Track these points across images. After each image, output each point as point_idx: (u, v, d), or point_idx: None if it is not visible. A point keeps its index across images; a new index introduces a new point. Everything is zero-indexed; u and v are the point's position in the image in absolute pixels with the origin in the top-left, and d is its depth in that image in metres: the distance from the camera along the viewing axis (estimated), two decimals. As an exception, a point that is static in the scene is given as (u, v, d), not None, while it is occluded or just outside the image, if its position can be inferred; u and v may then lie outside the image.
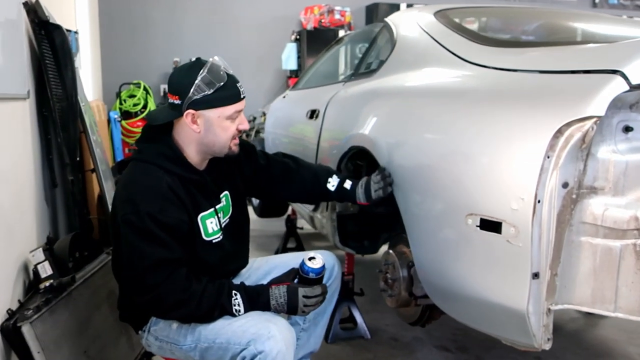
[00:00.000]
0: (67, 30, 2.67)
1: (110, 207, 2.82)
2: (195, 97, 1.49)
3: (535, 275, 1.19)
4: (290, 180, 1.87)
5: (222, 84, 1.50)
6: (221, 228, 1.64)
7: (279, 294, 1.50)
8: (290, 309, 1.50)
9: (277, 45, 6.74)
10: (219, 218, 1.63)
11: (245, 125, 1.60)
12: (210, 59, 1.52)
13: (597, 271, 1.17)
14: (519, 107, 1.27)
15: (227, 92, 1.52)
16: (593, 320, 2.76)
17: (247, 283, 1.59)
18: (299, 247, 3.80)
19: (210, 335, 1.48)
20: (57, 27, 2.45)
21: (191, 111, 1.51)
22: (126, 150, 5.94)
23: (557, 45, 1.48)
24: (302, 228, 4.05)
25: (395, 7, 6.83)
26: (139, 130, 6.13)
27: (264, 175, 1.85)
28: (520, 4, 7.33)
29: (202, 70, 1.48)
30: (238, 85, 1.55)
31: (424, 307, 1.81)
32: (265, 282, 1.61)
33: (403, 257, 1.81)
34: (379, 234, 2.32)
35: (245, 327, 1.43)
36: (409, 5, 6.72)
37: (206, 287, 1.48)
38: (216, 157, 1.63)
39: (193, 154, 1.58)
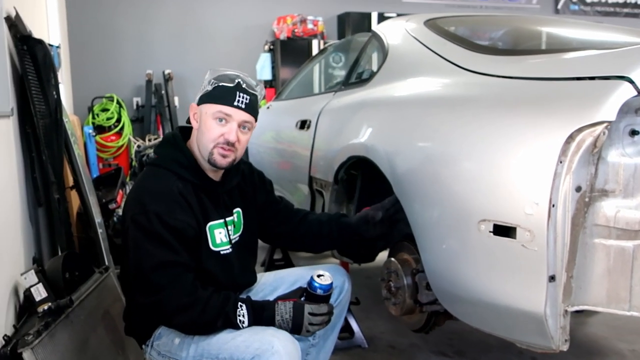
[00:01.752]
0: (49, 45, 2.61)
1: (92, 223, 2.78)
2: (201, 93, 1.58)
3: (552, 278, 1.21)
4: (297, 222, 1.83)
5: (221, 84, 1.54)
6: (230, 242, 1.63)
7: (284, 310, 1.48)
8: (295, 327, 1.48)
9: (251, 56, 6.73)
10: (228, 231, 1.62)
11: (231, 137, 1.54)
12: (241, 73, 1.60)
13: (611, 271, 1.20)
14: (528, 114, 1.29)
15: (221, 92, 1.55)
16: (581, 318, 2.82)
17: (255, 298, 1.58)
18: (286, 259, 3.77)
19: (213, 350, 1.46)
20: (39, 42, 2.39)
21: (194, 104, 1.60)
22: (101, 165, 5.82)
23: (557, 53, 1.52)
24: (287, 239, 4.02)
25: (367, 17, 6.92)
26: (114, 144, 6.02)
27: (272, 210, 1.82)
28: (484, 12, 7.52)
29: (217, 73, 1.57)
30: (239, 93, 1.54)
31: (429, 314, 1.82)
32: (272, 297, 1.61)
33: (406, 264, 1.82)
34: (376, 242, 2.32)
35: (249, 342, 1.41)
36: (380, 15, 6.81)
37: (212, 295, 1.47)
38: (232, 173, 1.65)
39: (202, 160, 1.59)
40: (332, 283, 1.54)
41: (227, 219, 1.63)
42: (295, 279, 1.73)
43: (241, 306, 1.47)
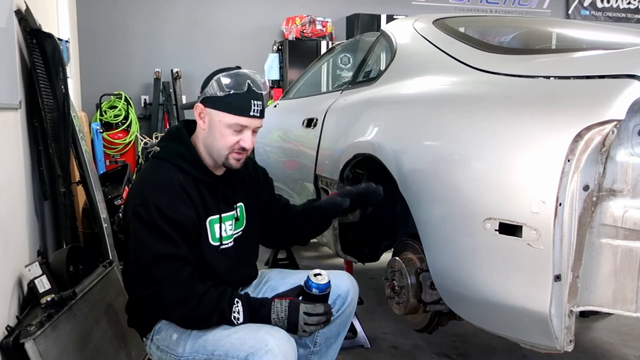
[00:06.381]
0: (59, 39, 2.62)
1: (101, 219, 2.79)
2: (207, 95, 1.54)
3: (557, 278, 1.20)
4: (290, 218, 1.83)
5: (234, 91, 1.50)
6: (231, 237, 1.63)
7: (280, 308, 1.45)
8: (290, 326, 1.44)
9: (259, 56, 6.72)
10: (229, 225, 1.62)
11: (247, 144, 1.55)
12: (245, 70, 1.55)
13: (618, 272, 1.19)
14: (536, 112, 1.28)
15: (235, 102, 1.51)
16: (586, 323, 2.79)
17: (257, 296, 1.58)
18: (290, 258, 3.77)
19: (209, 346, 1.46)
20: (49, 36, 2.40)
21: (200, 105, 1.56)
22: (107, 162, 5.83)
23: (566, 52, 1.51)
24: (292, 238, 4.02)
25: (376, 18, 6.92)
26: (120, 142, 6.03)
27: (274, 208, 1.83)
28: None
29: (224, 73, 1.53)
30: (254, 102, 1.52)
31: (432, 314, 1.81)
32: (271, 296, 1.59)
33: (410, 263, 1.81)
34: (380, 241, 2.32)
35: (244, 339, 1.39)
36: (389, 16, 6.81)
37: (208, 289, 1.46)
38: (234, 169, 1.61)
39: (205, 155, 1.60)
40: (328, 282, 1.49)
41: (228, 213, 1.62)
42: (296, 281, 1.66)
43: (237, 302, 1.46)
